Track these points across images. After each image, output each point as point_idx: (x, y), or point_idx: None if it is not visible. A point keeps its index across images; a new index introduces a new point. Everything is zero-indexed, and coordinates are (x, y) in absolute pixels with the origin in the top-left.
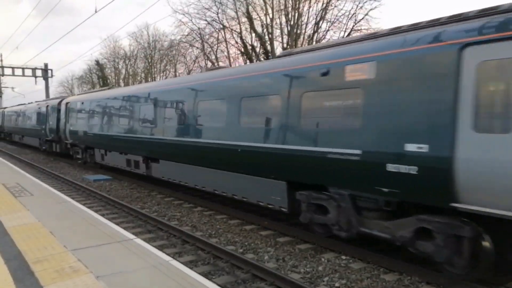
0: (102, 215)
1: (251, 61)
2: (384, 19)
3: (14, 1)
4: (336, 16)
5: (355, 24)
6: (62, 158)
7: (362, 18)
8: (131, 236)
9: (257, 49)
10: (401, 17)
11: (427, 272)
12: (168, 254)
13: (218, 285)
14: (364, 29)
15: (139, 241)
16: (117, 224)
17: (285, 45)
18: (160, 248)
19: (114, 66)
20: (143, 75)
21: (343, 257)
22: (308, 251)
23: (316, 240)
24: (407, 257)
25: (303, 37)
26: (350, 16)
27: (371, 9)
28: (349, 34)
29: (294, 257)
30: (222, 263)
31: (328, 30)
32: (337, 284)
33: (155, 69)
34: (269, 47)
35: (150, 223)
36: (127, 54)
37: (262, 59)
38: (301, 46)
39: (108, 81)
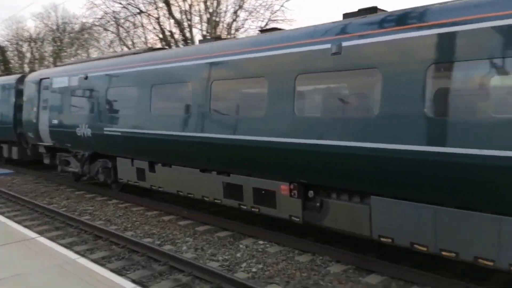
0: (2, 213)
1: (169, 47)
2: (297, 11)
3: None
4: (254, 6)
5: (272, 14)
6: None
7: (278, 9)
8: (33, 235)
9: (176, 36)
10: (312, 10)
11: (337, 251)
12: (77, 252)
13: (133, 280)
14: (280, 19)
15: (42, 239)
16: (19, 222)
17: (204, 32)
18: (69, 245)
19: (17, 49)
20: (51, 59)
21: (261, 242)
22: (227, 239)
23: (235, 227)
24: (319, 238)
25: (223, 25)
26: (267, 6)
27: (286, 1)
28: (266, 24)
29: (213, 246)
30: (138, 257)
31: (246, 19)
32: (254, 269)
33: (65, 53)
34: (188, 34)
35: (58, 219)
36: (32, 37)
37: (181, 46)
38: (221, 33)
39: (11, 65)
